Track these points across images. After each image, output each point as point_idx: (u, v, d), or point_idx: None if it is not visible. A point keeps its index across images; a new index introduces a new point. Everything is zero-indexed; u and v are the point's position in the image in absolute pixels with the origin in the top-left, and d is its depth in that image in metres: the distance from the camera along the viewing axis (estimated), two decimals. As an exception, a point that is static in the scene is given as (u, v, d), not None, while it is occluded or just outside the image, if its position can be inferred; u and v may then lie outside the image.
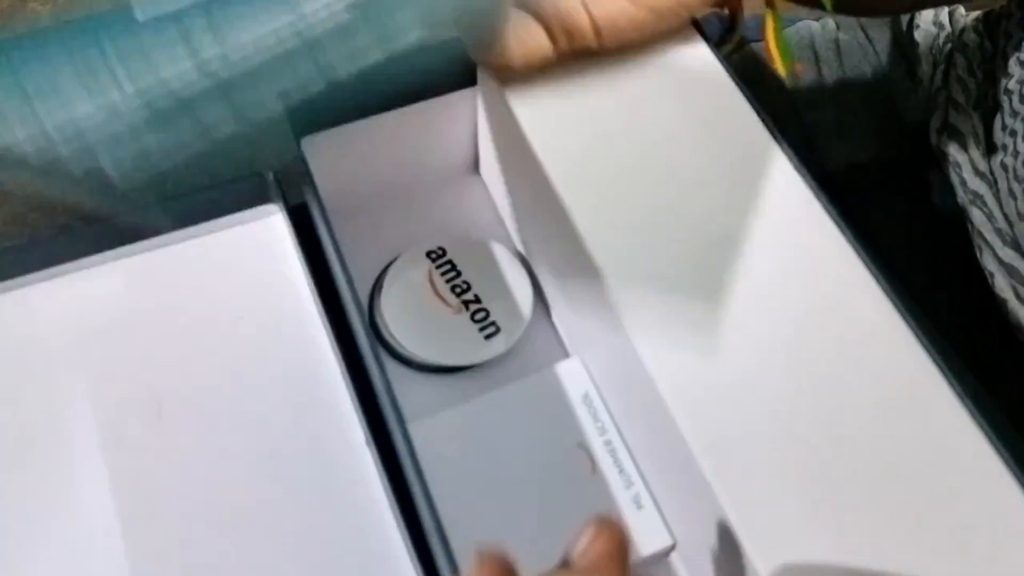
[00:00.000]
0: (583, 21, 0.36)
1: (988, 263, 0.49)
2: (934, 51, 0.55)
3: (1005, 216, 0.48)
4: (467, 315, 0.42)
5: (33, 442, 0.37)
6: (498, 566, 0.23)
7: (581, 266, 0.35)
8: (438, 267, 0.43)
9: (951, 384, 0.31)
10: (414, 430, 0.31)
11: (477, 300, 0.43)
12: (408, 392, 0.41)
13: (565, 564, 0.25)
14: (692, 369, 0.32)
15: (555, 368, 0.42)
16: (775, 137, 0.37)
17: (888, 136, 0.55)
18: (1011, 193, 0.47)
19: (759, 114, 0.38)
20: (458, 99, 0.43)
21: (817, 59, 0.57)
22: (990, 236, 0.48)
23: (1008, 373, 0.48)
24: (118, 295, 0.40)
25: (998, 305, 0.48)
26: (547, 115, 0.38)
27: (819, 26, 0.59)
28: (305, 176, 0.36)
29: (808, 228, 0.35)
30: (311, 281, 0.40)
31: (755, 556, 0.29)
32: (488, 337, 0.42)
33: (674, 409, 0.31)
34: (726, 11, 0.46)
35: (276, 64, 0.24)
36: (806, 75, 0.56)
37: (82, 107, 0.24)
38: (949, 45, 0.54)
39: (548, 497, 0.38)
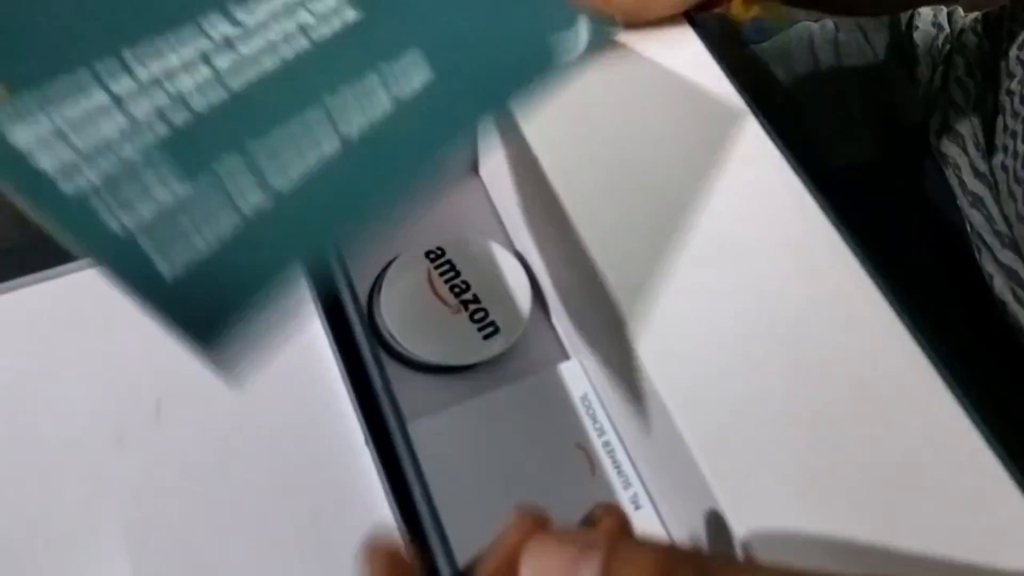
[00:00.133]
0: None
1: (987, 265, 0.49)
2: (933, 52, 0.55)
3: (1004, 218, 0.48)
4: (466, 315, 0.42)
5: (32, 442, 0.37)
6: (534, 519, 0.24)
7: (580, 267, 0.35)
8: (437, 267, 0.43)
9: (949, 384, 0.31)
10: (413, 430, 0.31)
11: (476, 300, 0.43)
12: (407, 392, 0.41)
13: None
14: (691, 370, 0.32)
15: (554, 369, 0.42)
16: (773, 138, 0.37)
17: (887, 137, 0.55)
18: (1011, 195, 0.47)
19: (757, 115, 0.38)
20: (457, 100, 0.43)
21: (816, 60, 0.57)
22: (989, 238, 0.48)
23: (1007, 374, 0.48)
24: (117, 296, 0.40)
25: (997, 307, 0.48)
26: (546, 116, 0.38)
27: (818, 27, 0.59)
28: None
29: (806, 229, 0.35)
30: (310, 280, 0.40)
31: (754, 556, 0.29)
32: (487, 337, 0.42)
33: (673, 410, 0.31)
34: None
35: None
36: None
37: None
38: (948, 46, 0.54)
39: (547, 497, 0.38)
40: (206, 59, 0.24)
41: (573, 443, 0.40)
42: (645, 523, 0.37)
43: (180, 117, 0.23)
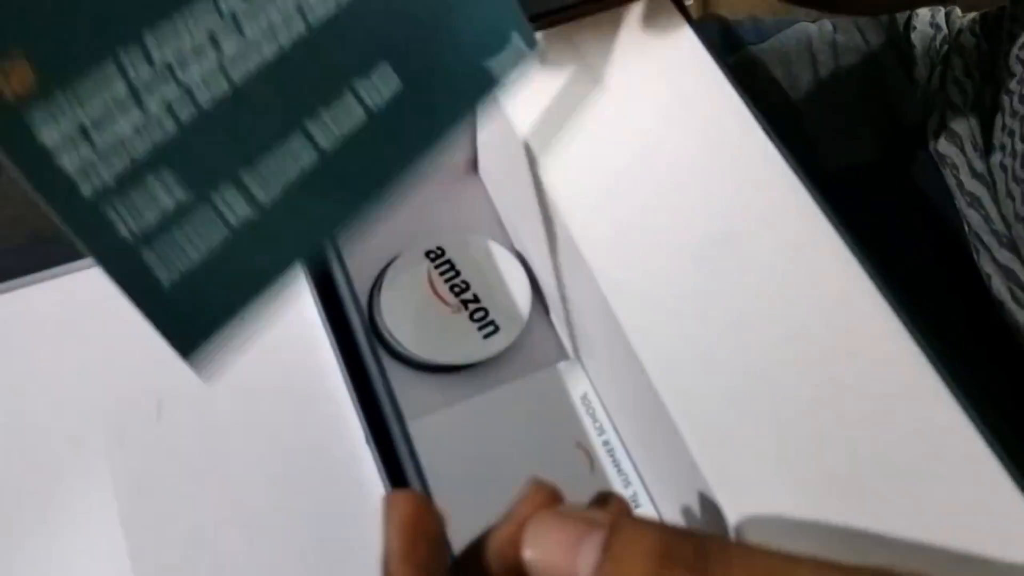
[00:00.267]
0: None
1: (985, 265, 0.49)
2: (931, 53, 0.55)
3: (1003, 217, 0.48)
4: (466, 314, 0.42)
5: (34, 441, 0.37)
6: (547, 493, 0.24)
7: (578, 267, 0.35)
8: (437, 267, 0.44)
9: (946, 381, 0.31)
10: (413, 428, 0.31)
11: (476, 300, 0.43)
12: (407, 391, 0.41)
13: None
14: (690, 369, 0.32)
15: (553, 368, 0.42)
16: (772, 138, 0.37)
17: (885, 138, 0.55)
18: (1009, 194, 0.47)
19: (756, 116, 0.38)
20: (457, 100, 0.43)
21: (814, 61, 0.57)
22: (987, 238, 0.49)
23: (1004, 373, 0.48)
24: (118, 295, 0.40)
25: (995, 307, 0.49)
26: (544, 116, 0.38)
27: (816, 28, 0.59)
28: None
29: (805, 229, 0.35)
30: (311, 280, 0.40)
31: (752, 554, 0.29)
32: (487, 336, 0.42)
33: (672, 409, 0.31)
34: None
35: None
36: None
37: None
38: (946, 47, 0.55)
39: (547, 496, 0.38)
40: (215, 41, 0.23)
41: (573, 442, 0.40)
42: (644, 522, 0.38)
43: (186, 112, 0.23)
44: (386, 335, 0.42)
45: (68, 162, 0.21)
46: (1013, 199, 0.46)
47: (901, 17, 0.57)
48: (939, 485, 0.30)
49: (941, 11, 0.57)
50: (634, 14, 0.41)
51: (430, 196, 0.48)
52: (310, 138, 0.25)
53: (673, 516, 0.37)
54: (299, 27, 0.25)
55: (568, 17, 0.40)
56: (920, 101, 0.55)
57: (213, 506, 0.36)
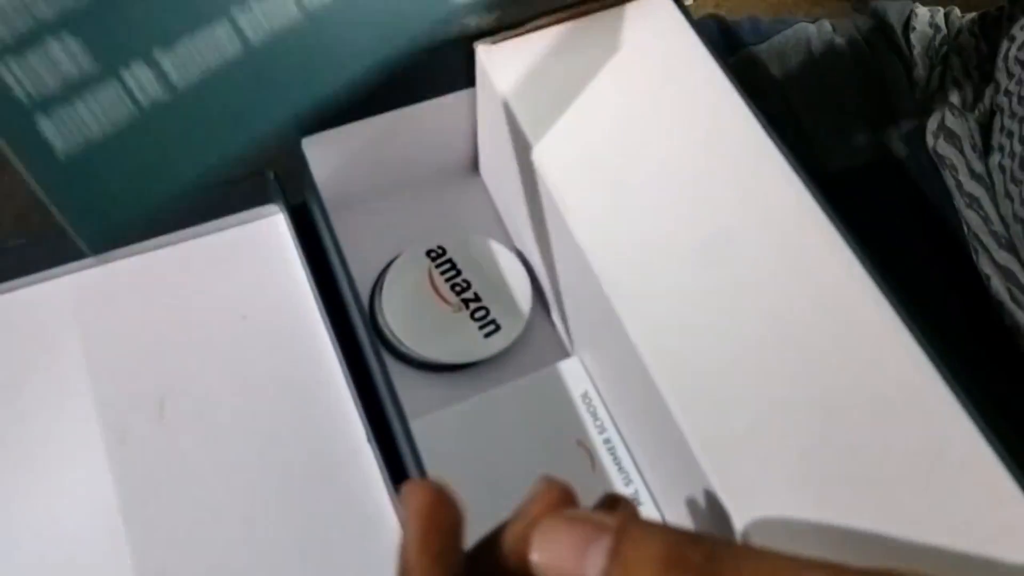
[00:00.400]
0: None
1: (984, 266, 0.49)
2: (930, 53, 0.55)
3: (1001, 218, 0.48)
4: (467, 314, 0.42)
5: (36, 440, 0.37)
6: (559, 492, 0.24)
7: (579, 265, 0.35)
8: (438, 266, 0.44)
9: (947, 380, 0.31)
10: (415, 427, 0.31)
11: (477, 299, 0.43)
12: (408, 390, 0.41)
13: None
14: (691, 368, 0.32)
15: (554, 367, 0.42)
16: (772, 138, 0.37)
17: (884, 138, 0.56)
18: (1007, 194, 0.47)
19: (757, 116, 0.38)
20: (458, 99, 0.43)
21: (814, 61, 0.57)
22: (986, 239, 0.49)
23: (1003, 373, 0.48)
24: (120, 294, 0.40)
25: (994, 307, 0.49)
26: (545, 115, 0.38)
27: (815, 28, 0.59)
28: (306, 176, 0.36)
29: (805, 229, 0.35)
30: (312, 280, 0.40)
31: (754, 552, 0.29)
32: (488, 335, 0.42)
33: (673, 407, 0.31)
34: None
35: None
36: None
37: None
38: (945, 47, 0.55)
39: (548, 495, 0.39)
40: None
41: (574, 440, 0.40)
42: (645, 520, 0.38)
43: None
44: (387, 334, 0.42)
45: None
46: (1011, 200, 0.47)
47: (900, 17, 0.57)
48: (941, 484, 0.30)
49: (940, 12, 0.57)
50: (634, 14, 0.41)
51: (431, 196, 0.48)
52: (237, 29, 0.24)
53: (675, 514, 0.37)
54: None
55: (568, 16, 0.40)
56: (919, 102, 0.55)
57: (215, 504, 0.36)
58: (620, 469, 0.39)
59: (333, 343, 0.39)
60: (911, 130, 0.55)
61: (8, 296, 0.40)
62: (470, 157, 0.48)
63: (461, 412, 0.40)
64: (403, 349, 0.42)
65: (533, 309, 0.43)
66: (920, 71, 0.55)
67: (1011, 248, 0.47)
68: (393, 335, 0.42)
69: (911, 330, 0.33)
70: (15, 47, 0.21)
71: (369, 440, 0.37)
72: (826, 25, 0.59)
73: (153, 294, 0.40)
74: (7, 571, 0.34)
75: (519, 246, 0.46)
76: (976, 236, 0.49)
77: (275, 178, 0.41)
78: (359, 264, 0.44)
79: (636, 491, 0.38)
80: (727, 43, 0.60)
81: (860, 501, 0.29)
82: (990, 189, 0.49)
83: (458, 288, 0.43)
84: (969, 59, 0.53)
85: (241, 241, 0.42)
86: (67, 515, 0.35)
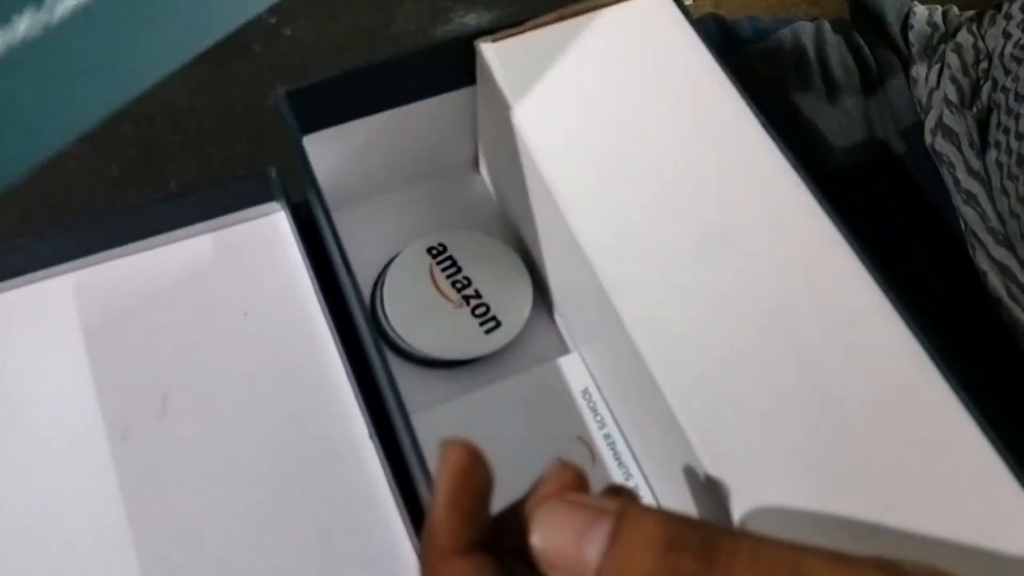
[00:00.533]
0: None
1: (981, 262, 0.49)
2: (928, 51, 0.56)
3: (998, 214, 0.48)
4: (468, 310, 0.43)
5: (40, 437, 0.37)
6: (572, 474, 0.24)
7: (579, 261, 0.36)
8: (439, 263, 0.44)
9: (945, 375, 0.32)
10: (417, 423, 0.31)
11: (478, 295, 0.43)
12: (410, 386, 0.41)
13: None
14: (690, 363, 0.32)
15: (555, 363, 0.42)
16: (772, 137, 0.38)
17: (883, 136, 0.56)
18: (1004, 191, 0.47)
19: (756, 116, 0.38)
20: (458, 98, 0.43)
21: (813, 60, 0.58)
22: (983, 235, 0.49)
23: (1001, 369, 0.49)
24: (123, 292, 0.41)
25: (992, 304, 0.49)
26: (545, 114, 0.38)
27: (814, 27, 0.59)
28: (307, 174, 0.36)
29: (805, 226, 0.35)
30: (314, 277, 0.40)
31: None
32: (488, 332, 0.42)
33: (672, 403, 0.32)
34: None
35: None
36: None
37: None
38: (943, 45, 0.55)
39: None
40: None
41: (574, 436, 0.40)
42: (645, 515, 0.38)
43: None
44: (389, 331, 0.42)
45: None
46: (1008, 196, 0.47)
47: (899, 15, 0.57)
48: (938, 478, 0.30)
49: (939, 10, 0.57)
50: (634, 13, 0.41)
51: (432, 193, 0.48)
52: None
53: (675, 509, 0.37)
54: None
55: (569, 14, 0.41)
56: (917, 99, 0.55)
57: (218, 500, 0.36)
58: (620, 464, 0.39)
59: (335, 339, 0.39)
60: (909, 127, 0.55)
61: (11, 294, 0.40)
62: (471, 154, 0.48)
63: (462, 407, 0.41)
64: (404, 345, 0.42)
65: (533, 305, 0.43)
66: (919, 69, 0.56)
67: (1008, 244, 0.48)
68: (394, 331, 0.42)
69: (908, 325, 0.33)
70: None
71: (371, 435, 0.37)
72: (825, 24, 0.59)
73: (155, 291, 0.41)
74: (11, 566, 0.34)
75: (519, 243, 0.46)
76: (973, 232, 0.49)
77: (277, 176, 0.41)
78: (360, 261, 0.44)
79: (636, 486, 0.39)
80: (726, 42, 0.60)
81: (858, 496, 0.30)
82: (987, 185, 0.49)
83: (459, 285, 0.43)
84: (967, 57, 0.53)
85: (243, 239, 0.43)
86: (71, 510, 0.36)
